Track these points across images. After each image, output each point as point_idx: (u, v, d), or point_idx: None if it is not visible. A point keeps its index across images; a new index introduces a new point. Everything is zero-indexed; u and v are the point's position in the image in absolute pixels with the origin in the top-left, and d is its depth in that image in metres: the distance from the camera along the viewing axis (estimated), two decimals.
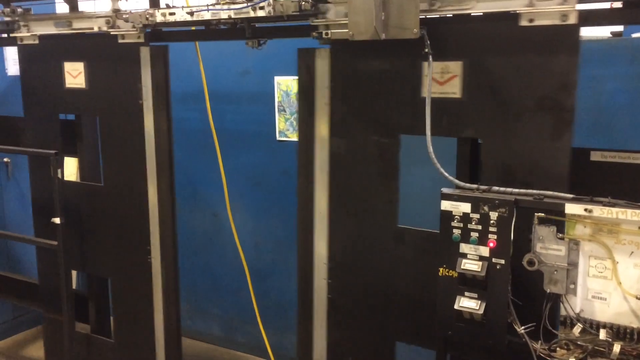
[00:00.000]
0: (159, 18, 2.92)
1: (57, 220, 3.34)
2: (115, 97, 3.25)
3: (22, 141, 3.84)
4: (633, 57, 2.78)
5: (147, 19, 2.95)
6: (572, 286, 2.09)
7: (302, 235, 2.84)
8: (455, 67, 2.37)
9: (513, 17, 2.22)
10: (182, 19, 2.86)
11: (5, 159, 4.57)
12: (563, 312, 2.12)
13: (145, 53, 3.11)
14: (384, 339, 2.72)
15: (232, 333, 4.77)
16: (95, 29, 3.19)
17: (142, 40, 3.09)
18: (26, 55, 3.53)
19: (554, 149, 2.22)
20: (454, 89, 2.38)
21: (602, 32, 3.21)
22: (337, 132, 2.68)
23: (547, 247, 2.11)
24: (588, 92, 2.89)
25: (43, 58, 3.46)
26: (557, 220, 2.09)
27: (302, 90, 2.75)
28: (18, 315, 4.78)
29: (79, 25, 3.24)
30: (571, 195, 2.08)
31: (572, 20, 2.14)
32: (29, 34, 3.45)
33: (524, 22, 2.21)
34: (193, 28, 3.12)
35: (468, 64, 2.34)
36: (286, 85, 4.12)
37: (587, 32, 2.96)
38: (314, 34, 2.61)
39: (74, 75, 3.35)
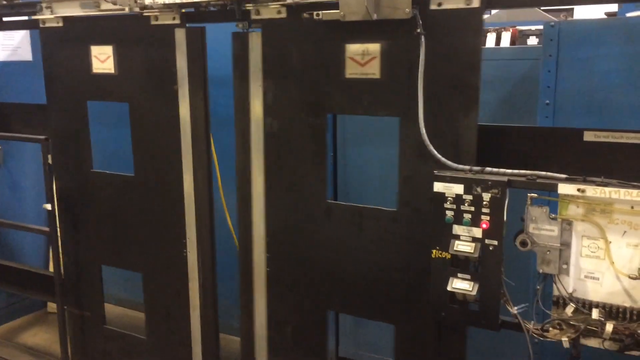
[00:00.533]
0: (147, 0, 2.86)
1: (48, 206, 3.31)
2: (147, 82, 3.06)
3: (13, 127, 3.81)
4: (627, 36, 2.76)
5: (135, 1, 2.88)
6: (564, 266, 2.09)
7: (242, 212, 2.91)
8: (374, 48, 2.45)
9: (425, 1, 2.30)
10: (170, 1, 2.81)
11: None
12: (556, 292, 2.12)
13: (180, 35, 2.91)
14: (319, 309, 2.85)
15: (226, 318, 4.77)
16: (127, 10, 2.92)
17: (177, 21, 2.89)
18: (49, 38, 3.31)
19: (462, 126, 2.32)
20: (373, 70, 2.47)
21: (597, 13, 3.18)
22: (270, 113, 2.75)
23: (540, 228, 2.11)
24: (582, 73, 2.87)
25: (68, 42, 3.25)
26: (550, 201, 2.09)
27: (237, 72, 2.81)
28: (12, 303, 4.77)
29: (108, 7, 2.99)
30: (564, 176, 2.08)
31: (476, 3, 2.23)
32: (52, 16, 3.22)
33: (433, 6, 2.30)
34: (183, 10, 3.06)
35: (385, 46, 2.43)
36: None
37: (582, 14, 2.94)
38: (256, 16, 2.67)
39: (102, 59, 3.15)
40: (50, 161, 3.30)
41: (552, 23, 2.92)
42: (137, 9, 2.89)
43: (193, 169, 3.03)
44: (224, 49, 4.22)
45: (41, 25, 3.31)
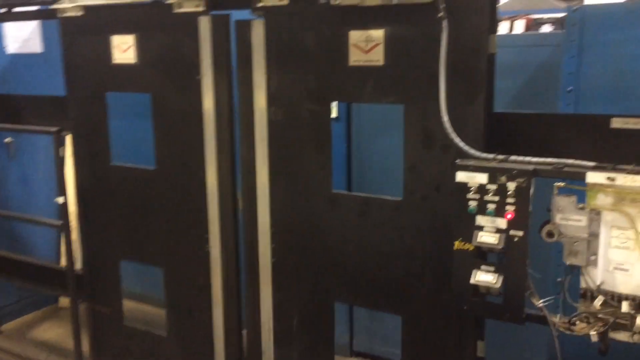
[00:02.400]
0: None
1: (60, 199, 3.27)
2: (170, 72, 2.97)
3: (25, 120, 3.77)
4: None
5: None
6: (592, 258, 2.02)
7: (247, 202, 2.87)
8: (377, 35, 2.41)
9: None
10: None
11: (7, 139, 4.49)
12: (583, 285, 2.05)
13: (204, 23, 2.80)
14: (325, 299, 2.80)
15: None
16: None
17: (201, 8, 2.78)
18: (69, 28, 3.23)
19: (468, 112, 2.27)
20: (377, 57, 2.43)
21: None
22: (273, 102, 2.71)
23: (567, 218, 2.04)
24: (606, 58, 2.79)
25: (88, 31, 3.18)
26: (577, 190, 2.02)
27: (241, 61, 2.75)
28: (23, 298, 4.75)
29: None
30: (592, 164, 2.01)
31: None
32: (72, 5, 3.14)
33: None
34: None
35: (388, 31, 2.39)
36: None
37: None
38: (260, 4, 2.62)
39: (123, 49, 3.05)
40: (61, 154, 3.26)
41: (575, 7, 2.84)
42: None
43: (217, 163, 2.94)
44: None
45: (60, 15, 3.23)
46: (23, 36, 4.56)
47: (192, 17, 2.82)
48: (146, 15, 2.99)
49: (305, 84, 2.63)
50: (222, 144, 2.92)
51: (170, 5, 2.86)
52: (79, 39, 3.21)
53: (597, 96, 2.85)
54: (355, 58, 2.48)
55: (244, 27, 2.72)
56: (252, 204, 2.86)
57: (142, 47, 3.02)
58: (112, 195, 3.30)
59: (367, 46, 2.44)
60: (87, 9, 3.13)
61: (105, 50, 3.12)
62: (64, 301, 4.80)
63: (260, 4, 2.62)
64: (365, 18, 2.41)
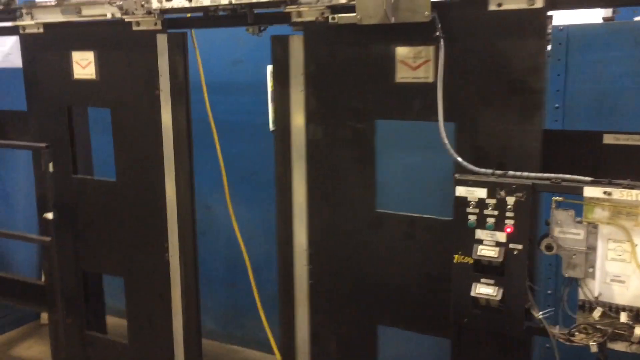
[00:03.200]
0: (154, 5, 2.82)
1: (49, 215, 3.23)
2: (129, 87, 3.07)
3: (7, 135, 3.72)
4: (636, 40, 2.78)
5: (142, 5, 2.84)
6: (590, 270, 2.08)
7: (282, 223, 2.84)
8: (427, 51, 2.37)
9: (483, 1, 2.24)
10: (179, 6, 2.77)
11: None
12: (582, 296, 2.11)
13: (162, 41, 2.93)
14: (366, 323, 2.73)
15: (227, 327, 4.70)
16: (108, 16, 2.95)
17: (159, 27, 2.90)
18: (29, 45, 3.32)
19: (525, 130, 2.25)
20: (426, 74, 2.39)
21: (594, 18, 3.21)
22: (313, 119, 2.66)
23: (566, 231, 2.09)
24: (591, 77, 2.89)
25: (48, 48, 3.25)
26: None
27: (277, 77, 2.75)
28: (5, 315, 4.64)
29: (89, 12, 3.03)
30: (589, 178, 2.07)
31: (539, 4, 2.17)
32: (32, 22, 3.22)
33: (492, 7, 2.24)
34: (188, 15, 3.01)
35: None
36: None
37: (576, 19, 2.98)
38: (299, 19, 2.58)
39: (83, 65, 3.15)
40: (51, 169, 3.22)
41: (561, 27, 2.93)
42: (118, 15, 2.92)
43: (175, 174, 3.05)
44: (222, 54, 4.21)
45: (21, 32, 3.29)
46: (4, 50, 4.49)
47: (151, 35, 2.93)
48: (106, 32, 3.09)
49: (347, 102, 2.57)
50: (180, 156, 3.04)
51: (129, 24, 2.96)
52: (40, 55, 3.30)
53: (582, 113, 2.95)
54: (403, 75, 2.43)
55: (281, 43, 2.68)
56: (287, 224, 2.80)
57: (101, 63, 3.12)
58: (74, 206, 3.35)
59: (415, 62, 2.41)
60: (47, 26, 3.21)
61: (66, 66, 3.21)
62: (46, 317, 4.70)
63: (299, 19, 2.58)
64: (413, 34, 2.36)
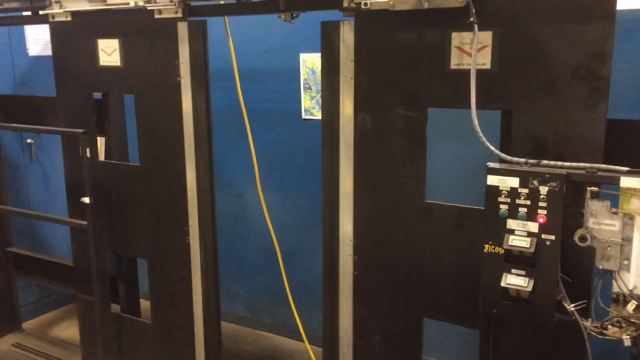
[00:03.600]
0: None
1: (86, 199, 3.31)
2: (152, 74, 3.14)
3: (47, 121, 3.82)
4: None
5: None
6: (625, 262, 2.02)
7: (328, 212, 2.81)
8: (485, 37, 2.29)
9: None
10: None
11: (28, 140, 4.54)
12: (615, 289, 2.06)
13: (182, 28, 2.99)
14: (411, 315, 2.70)
15: (258, 313, 4.76)
16: (132, 4, 3.03)
17: (180, 15, 2.97)
18: (58, 33, 3.42)
19: (588, 119, 2.16)
20: (484, 60, 2.31)
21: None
22: (362, 107, 2.62)
23: (600, 222, 2.04)
24: (632, 64, 2.80)
25: (76, 35, 3.35)
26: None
27: (326, 64, 2.69)
28: (43, 296, 4.79)
29: (114, 1, 3.09)
30: (626, 168, 2.01)
31: None
32: (61, 11, 3.32)
33: None
34: (222, 2, 3.04)
35: (499, 33, 2.27)
36: (312, 62, 4.04)
37: (627, 4, 2.87)
38: (351, 4, 2.52)
39: (109, 52, 3.24)
40: (88, 154, 3.29)
41: None
42: (141, 3, 3.00)
43: (195, 159, 3.11)
44: (254, 42, 4.23)
45: (50, 20, 3.39)
46: (45, 39, 4.61)
47: (172, 23, 3.00)
48: (129, 20, 3.14)
49: (398, 89, 2.51)
50: (199, 141, 3.10)
51: (151, 12, 3.02)
52: (68, 42, 3.39)
53: (622, 102, 2.86)
54: (457, 61, 2.37)
55: (331, 28, 2.64)
56: (333, 213, 2.80)
57: (126, 51, 3.19)
58: (100, 190, 3.44)
59: (472, 48, 2.30)
60: (75, 14, 3.30)
61: (93, 53, 3.30)
62: None
63: (351, 4, 2.51)
64: (468, 18, 2.25)
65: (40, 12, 3.41)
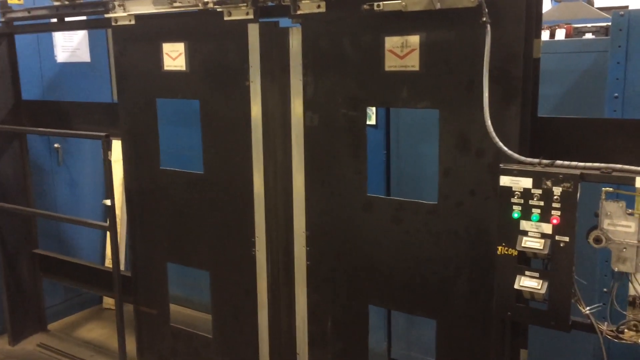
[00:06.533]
0: None
1: (107, 202, 3.37)
2: (219, 79, 3.02)
3: (74, 125, 3.91)
4: None
5: None
6: None
7: (282, 206, 2.95)
8: (413, 40, 2.43)
9: None
10: None
11: (55, 145, 4.65)
12: (632, 292, 2.01)
13: (253, 30, 2.84)
14: (359, 302, 2.83)
15: None
16: (200, 6, 2.89)
17: (251, 16, 2.83)
18: (121, 37, 3.32)
19: (503, 116, 2.27)
20: (412, 62, 2.45)
21: None
22: (310, 107, 2.76)
23: (616, 224, 2.00)
24: None
25: (139, 39, 3.25)
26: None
27: (279, 67, 2.82)
28: (69, 298, 4.89)
29: (181, 3, 2.97)
30: None
31: None
32: (124, 14, 3.22)
33: None
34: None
35: (424, 38, 2.41)
36: None
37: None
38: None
39: (174, 57, 3.12)
40: (110, 157, 3.36)
41: (622, 12, 2.79)
42: (210, 5, 2.88)
43: (263, 167, 2.96)
44: None
45: (113, 24, 3.30)
46: (72, 46, 4.73)
47: (242, 25, 2.87)
48: (196, 23, 3.04)
49: (341, 90, 2.67)
50: (268, 149, 2.94)
51: (220, 13, 2.91)
52: (130, 47, 3.29)
53: None
54: (391, 63, 2.50)
55: (282, 34, 2.79)
56: (287, 207, 2.92)
57: (192, 54, 3.07)
58: (160, 198, 3.36)
59: (402, 52, 2.47)
60: (139, 17, 3.21)
61: (156, 57, 3.19)
62: (108, 302, 4.93)
63: (298, 12, 2.68)
64: (402, 24, 2.44)
65: (105, 16, 3.32)
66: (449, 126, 2.42)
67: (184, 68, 3.10)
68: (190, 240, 3.32)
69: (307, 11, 2.68)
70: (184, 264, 3.49)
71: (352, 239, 2.77)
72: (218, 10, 2.90)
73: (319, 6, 2.63)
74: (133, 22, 3.23)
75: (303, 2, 2.67)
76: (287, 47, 2.77)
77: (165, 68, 3.17)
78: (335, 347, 2.93)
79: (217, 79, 3.03)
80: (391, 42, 2.49)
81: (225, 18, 2.91)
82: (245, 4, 2.82)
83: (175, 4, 3.00)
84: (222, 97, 3.03)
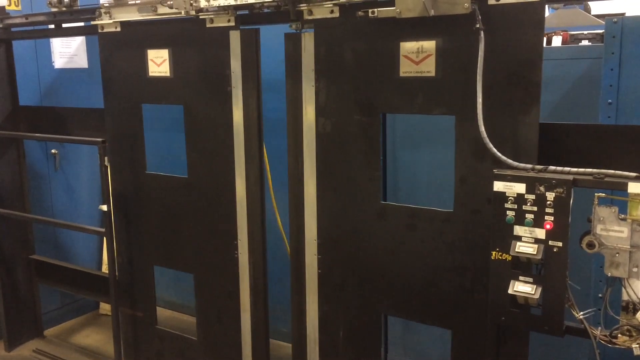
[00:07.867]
0: (202, 3, 2.90)
1: (104, 207, 3.37)
2: (202, 85, 3.08)
3: (70, 131, 3.91)
4: None
5: (190, 4, 2.92)
6: (635, 269, 1.99)
7: (294, 214, 2.90)
8: (429, 46, 2.40)
9: None
10: (225, 4, 2.83)
11: (52, 150, 4.65)
12: (625, 297, 2.02)
13: (235, 37, 2.91)
14: (372, 312, 2.78)
15: (275, 322, 4.75)
16: (183, 14, 2.92)
17: (232, 23, 2.90)
18: (107, 43, 3.38)
19: (522, 123, 2.25)
20: (428, 68, 2.43)
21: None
22: (323, 113, 2.73)
23: (608, 229, 2.01)
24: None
25: (125, 46, 3.32)
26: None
27: (290, 73, 2.81)
28: (65, 304, 4.88)
29: (165, 10, 3.01)
30: (634, 174, 1.98)
31: None
32: (110, 21, 3.29)
33: (492, 1, 2.24)
34: None
35: (441, 43, 2.38)
36: None
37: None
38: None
39: (158, 63, 3.19)
40: (106, 163, 3.37)
41: (615, 19, 2.81)
42: (193, 12, 2.92)
43: (245, 171, 3.02)
44: (272, 53, 4.27)
45: (100, 31, 3.37)
46: (69, 52, 4.74)
47: (224, 32, 2.94)
48: (180, 30, 3.11)
49: (354, 96, 2.64)
50: (251, 153, 3.00)
51: (203, 21, 2.98)
52: (117, 53, 3.36)
53: (638, 109, 2.81)
54: (406, 69, 2.48)
55: (294, 40, 2.77)
56: (299, 215, 2.88)
57: (175, 61, 3.14)
58: (146, 202, 3.40)
59: (418, 57, 2.45)
60: (124, 24, 3.27)
61: (141, 64, 3.25)
62: (105, 308, 4.92)
63: (311, 17, 2.67)
64: (417, 29, 2.42)
65: (92, 23, 3.39)
66: (466, 133, 2.37)
67: (168, 74, 3.17)
68: (176, 243, 3.37)
69: (320, 16, 2.66)
70: (169, 266, 3.56)
71: (364, 247, 2.73)
72: (201, 17, 2.97)
73: (332, 11, 2.62)
74: (119, 29, 3.30)
75: (316, 7, 2.65)
76: (299, 52, 2.76)
77: (150, 74, 3.24)
78: (346, 357, 2.89)
79: (200, 84, 3.09)
80: (406, 48, 2.47)
81: (208, 25, 2.98)
82: (226, 12, 2.88)
83: (159, 12, 3.07)
84: (205, 103, 3.10)
